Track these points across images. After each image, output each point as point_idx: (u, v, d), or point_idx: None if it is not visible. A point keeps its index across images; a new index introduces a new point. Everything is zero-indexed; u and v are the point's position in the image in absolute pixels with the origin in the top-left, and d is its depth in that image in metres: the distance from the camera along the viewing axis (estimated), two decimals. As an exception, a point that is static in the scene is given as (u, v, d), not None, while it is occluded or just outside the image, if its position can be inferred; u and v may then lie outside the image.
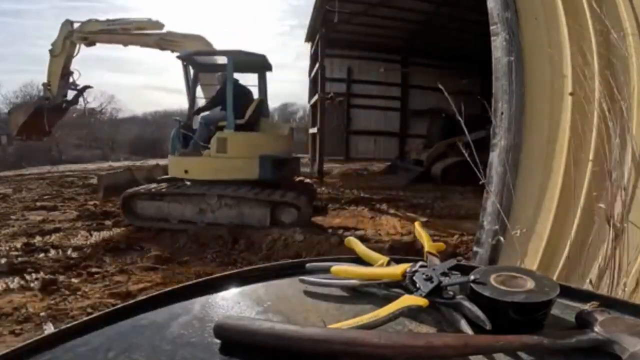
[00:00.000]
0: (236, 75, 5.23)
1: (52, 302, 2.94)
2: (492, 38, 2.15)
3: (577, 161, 1.84)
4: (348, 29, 11.34)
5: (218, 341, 0.46)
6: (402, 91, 14.01)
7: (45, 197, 7.51)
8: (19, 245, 4.26)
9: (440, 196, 7.45)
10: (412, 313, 0.52)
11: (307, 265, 0.70)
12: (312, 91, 11.95)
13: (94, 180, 9.67)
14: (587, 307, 0.51)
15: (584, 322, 0.49)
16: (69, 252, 4.10)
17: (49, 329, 2.51)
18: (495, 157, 2.12)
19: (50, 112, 6.38)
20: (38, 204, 6.75)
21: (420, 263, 0.62)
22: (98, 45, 6.25)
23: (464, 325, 0.50)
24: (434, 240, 0.70)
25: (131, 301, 0.56)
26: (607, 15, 1.80)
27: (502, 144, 2.09)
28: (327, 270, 0.65)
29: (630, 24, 1.76)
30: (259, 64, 5.54)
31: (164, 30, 5.72)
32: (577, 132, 1.84)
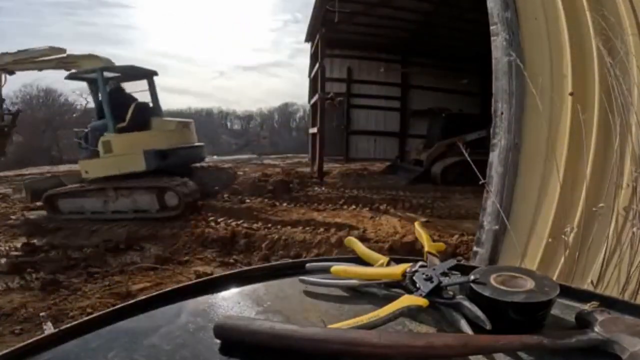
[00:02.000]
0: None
1: (52, 302, 2.94)
2: (492, 38, 2.15)
3: (577, 161, 1.84)
4: (348, 29, 11.33)
5: (218, 341, 0.46)
6: (402, 91, 14.00)
7: (45, 197, 7.49)
8: (19, 245, 4.25)
9: (440, 196, 7.44)
10: (412, 313, 0.52)
11: (307, 265, 0.70)
12: (312, 91, 11.94)
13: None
14: (587, 307, 0.51)
15: (584, 322, 0.49)
16: (69, 252, 4.10)
17: (49, 329, 2.51)
18: (495, 157, 2.12)
19: None
20: (38, 203, 6.74)
21: (420, 263, 0.62)
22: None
23: (464, 325, 0.50)
24: (434, 240, 0.70)
25: (131, 301, 0.56)
26: (607, 15, 1.80)
27: (502, 144, 2.09)
28: (327, 270, 0.65)
29: (630, 23, 1.76)
30: (139, 73, 6.55)
31: (65, 55, 6.44)
32: (577, 132, 1.84)
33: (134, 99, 6.31)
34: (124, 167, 5.75)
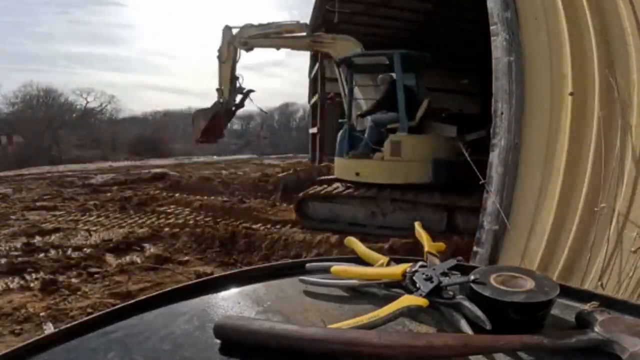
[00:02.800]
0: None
1: (52, 302, 2.94)
2: (492, 38, 2.15)
3: (577, 161, 1.84)
4: (348, 29, 11.31)
5: (218, 341, 0.46)
6: (402, 91, 13.98)
7: (45, 197, 7.51)
8: (19, 245, 4.25)
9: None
10: (412, 313, 0.52)
11: (307, 265, 0.70)
12: (312, 91, 11.94)
13: (94, 180, 9.69)
14: (587, 307, 0.51)
15: (584, 322, 0.49)
16: (69, 252, 4.10)
17: (49, 329, 2.51)
18: (495, 157, 2.12)
19: (224, 116, 6.85)
20: (38, 204, 6.74)
21: (420, 263, 0.62)
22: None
23: (464, 325, 0.50)
24: (434, 240, 0.70)
25: (131, 301, 0.56)
26: (607, 15, 1.80)
27: (502, 144, 2.09)
28: (327, 270, 0.65)
29: (630, 23, 1.76)
30: (421, 63, 5.52)
31: (316, 33, 6.16)
32: (577, 132, 1.84)
33: (415, 93, 5.26)
34: (410, 175, 4.70)
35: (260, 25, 6.19)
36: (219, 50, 6.52)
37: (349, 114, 5.46)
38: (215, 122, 6.77)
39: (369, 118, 5.20)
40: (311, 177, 6.17)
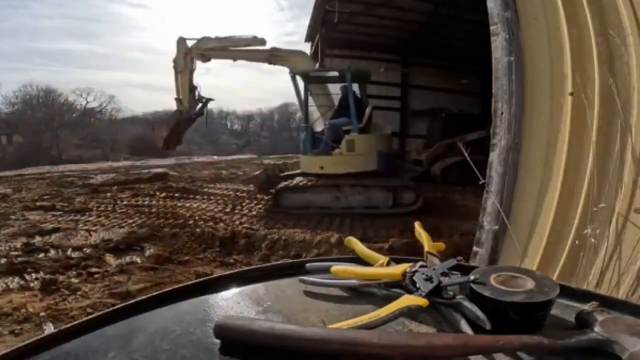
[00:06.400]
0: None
1: (52, 302, 2.94)
2: (492, 38, 2.15)
3: (577, 161, 1.84)
4: (348, 29, 11.32)
5: (218, 341, 0.46)
6: (402, 91, 13.97)
7: (45, 197, 7.50)
8: (19, 245, 4.25)
9: (440, 196, 7.44)
10: (412, 313, 0.52)
11: (307, 265, 0.70)
12: (312, 91, 11.92)
13: (94, 181, 9.68)
14: (587, 307, 0.51)
15: (584, 322, 0.49)
16: (69, 252, 4.10)
17: (49, 329, 2.51)
18: (495, 157, 2.12)
19: (184, 124, 7.26)
20: (38, 204, 6.74)
21: (420, 263, 0.62)
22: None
23: (464, 325, 0.50)
24: (433, 240, 0.70)
25: (131, 301, 0.56)
26: (607, 15, 1.80)
27: (502, 144, 2.09)
28: (327, 270, 0.65)
29: (630, 24, 1.76)
30: (364, 77, 7.05)
31: (270, 47, 6.60)
32: (577, 132, 1.84)
33: (361, 100, 6.62)
34: (360, 166, 6.11)
35: (218, 38, 6.59)
36: (175, 61, 6.71)
37: (307, 118, 6.64)
38: (176, 130, 7.16)
39: (327, 122, 6.50)
40: (276, 173, 7.16)
